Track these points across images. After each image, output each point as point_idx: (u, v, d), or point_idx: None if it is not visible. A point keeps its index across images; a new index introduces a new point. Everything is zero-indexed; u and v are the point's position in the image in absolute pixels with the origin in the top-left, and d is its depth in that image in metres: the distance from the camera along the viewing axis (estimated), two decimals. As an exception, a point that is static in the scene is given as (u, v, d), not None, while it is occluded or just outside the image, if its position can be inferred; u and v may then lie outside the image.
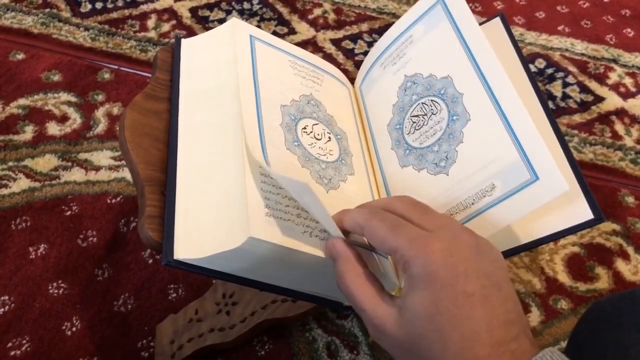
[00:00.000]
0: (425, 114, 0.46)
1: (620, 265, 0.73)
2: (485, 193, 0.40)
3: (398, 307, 0.31)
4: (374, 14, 1.03)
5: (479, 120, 0.42)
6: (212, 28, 0.52)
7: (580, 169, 0.41)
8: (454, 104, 0.44)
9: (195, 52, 0.50)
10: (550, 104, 0.90)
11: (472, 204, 0.40)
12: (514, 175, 0.39)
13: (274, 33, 0.97)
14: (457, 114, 0.44)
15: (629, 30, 1.03)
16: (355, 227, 0.35)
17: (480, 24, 0.50)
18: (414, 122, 0.47)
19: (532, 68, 0.94)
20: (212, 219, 0.39)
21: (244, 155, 0.40)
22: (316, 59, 0.54)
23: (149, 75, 0.51)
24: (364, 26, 1.00)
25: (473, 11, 0.51)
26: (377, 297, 0.32)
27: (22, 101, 0.83)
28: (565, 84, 0.93)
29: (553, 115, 0.44)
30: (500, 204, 0.39)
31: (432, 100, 0.46)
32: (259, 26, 0.97)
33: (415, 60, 0.48)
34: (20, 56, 0.89)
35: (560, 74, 0.95)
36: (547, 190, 0.38)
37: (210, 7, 1.01)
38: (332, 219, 0.36)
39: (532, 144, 0.39)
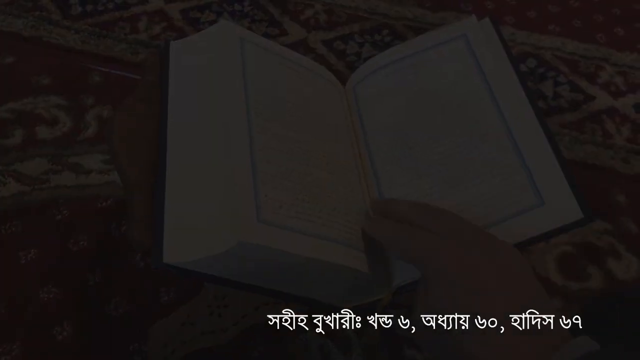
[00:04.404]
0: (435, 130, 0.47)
1: (612, 264, 0.73)
2: (486, 211, 0.40)
3: None
4: (365, 15, 1.03)
5: (491, 145, 0.43)
6: (203, 30, 0.51)
7: (571, 168, 0.41)
8: (471, 128, 0.45)
9: (185, 54, 0.50)
10: (542, 104, 0.90)
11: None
12: (518, 198, 0.40)
13: (265, 34, 0.96)
14: (471, 135, 0.45)
15: (619, 29, 1.03)
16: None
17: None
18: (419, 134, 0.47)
19: (523, 68, 0.95)
20: (202, 221, 0.39)
21: (233, 158, 0.40)
22: (307, 61, 0.54)
23: (140, 77, 0.51)
24: (356, 27, 1.00)
25: (463, 11, 0.51)
26: None
27: (12, 105, 0.83)
28: (556, 83, 0.93)
29: (542, 115, 0.45)
30: (502, 225, 0.39)
31: (445, 119, 0.47)
32: (250, 27, 0.97)
33: (428, 80, 0.50)
34: (10, 59, 0.89)
35: (551, 74, 0.95)
36: (555, 216, 0.39)
37: (201, 8, 1.01)
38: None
39: (541, 170, 0.41)
